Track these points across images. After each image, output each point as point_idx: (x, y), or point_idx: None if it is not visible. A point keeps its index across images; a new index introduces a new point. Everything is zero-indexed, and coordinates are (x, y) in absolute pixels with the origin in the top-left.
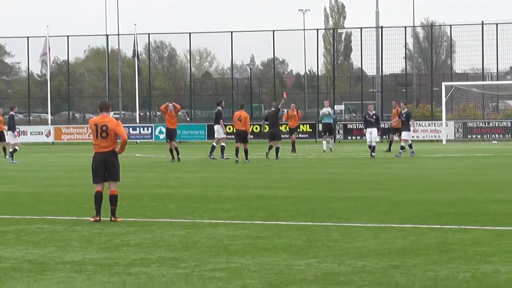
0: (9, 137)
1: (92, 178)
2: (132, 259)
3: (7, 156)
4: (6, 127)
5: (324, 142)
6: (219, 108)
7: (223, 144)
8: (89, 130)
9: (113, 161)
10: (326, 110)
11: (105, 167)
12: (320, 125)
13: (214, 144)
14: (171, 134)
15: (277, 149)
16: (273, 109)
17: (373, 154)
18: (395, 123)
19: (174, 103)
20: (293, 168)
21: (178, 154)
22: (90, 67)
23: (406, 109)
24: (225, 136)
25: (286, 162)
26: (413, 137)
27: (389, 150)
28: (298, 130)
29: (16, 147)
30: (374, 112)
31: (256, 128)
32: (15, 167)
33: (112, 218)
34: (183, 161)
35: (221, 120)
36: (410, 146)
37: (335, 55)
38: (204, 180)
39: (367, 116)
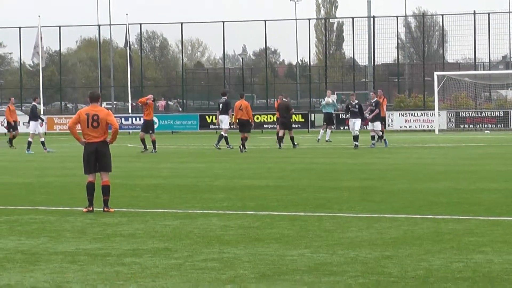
0: (31, 126)
1: (84, 168)
2: (124, 249)
3: (28, 150)
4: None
5: (322, 131)
6: (226, 98)
7: (226, 134)
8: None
9: (105, 152)
10: (329, 99)
11: (97, 157)
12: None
13: (222, 133)
14: (152, 126)
15: (292, 138)
16: (284, 100)
17: (356, 144)
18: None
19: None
20: (285, 158)
21: (155, 146)
22: (82, 57)
23: (375, 99)
24: (228, 127)
25: (278, 152)
26: (405, 127)
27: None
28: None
29: (41, 138)
30: (357, 101)
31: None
32: (25, 157)
33: (105, 209)
34: (176, 151)
35: (230, 110)
36: (381, 137)
37: (327, 45)
38: (197, 170)
39: (350, 106)
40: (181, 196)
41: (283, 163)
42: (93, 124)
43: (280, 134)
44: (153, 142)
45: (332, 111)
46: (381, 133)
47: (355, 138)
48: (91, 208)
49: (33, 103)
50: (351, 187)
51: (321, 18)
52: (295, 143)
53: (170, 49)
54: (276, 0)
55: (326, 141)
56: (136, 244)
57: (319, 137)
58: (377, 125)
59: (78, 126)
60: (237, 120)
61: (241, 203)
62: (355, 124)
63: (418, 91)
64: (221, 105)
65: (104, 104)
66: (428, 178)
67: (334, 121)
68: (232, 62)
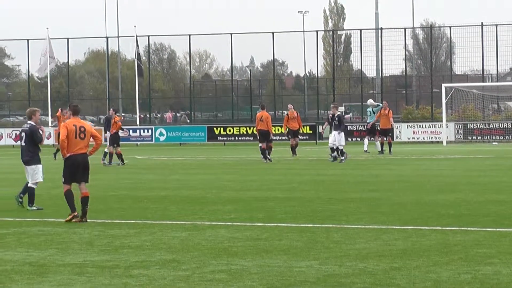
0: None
1: (65, 178)
2: (132, 261)
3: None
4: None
5: (366, 141)
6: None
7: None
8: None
9: (88, 164)
10: (372, 103)
11: (82, 169)
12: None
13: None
14: (119, 139)
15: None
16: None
17: (342, 158)
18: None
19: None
20: (293, 169)
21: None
22: (90, 69)
23: (339, 113)
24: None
25: (286, 163)
26: (413, 138)
27: (381, 152)
28: (300, 132)
29: (106, 150)
30: (338, 113)
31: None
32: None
33: (84, 219)
34: (184, 163)
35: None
36: (342, 152)
37: (334, 56)
38: (205, 182)
39: (329, 118)
40: (189, 207)
41: (291, 174)
42: (80, 135)
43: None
44: (112, 155)
45: (372, 121)
46: (341, 147)
47: (340, 152)
48: (76, 213)
49: (109, 113)
50: (359, 199)
51: (329, 30)
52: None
53: (178, 61)
54: (284, 12)
55: (366, 151)
56: (144, 256)
57: (365, 149)
58: (337, 137)
59: None
60: (258, 131)
61: (249, 215)
62: (336, 136)
63: (426, 103)
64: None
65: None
66: (436, 189)
67: (375, 132)
68: (240, 74)
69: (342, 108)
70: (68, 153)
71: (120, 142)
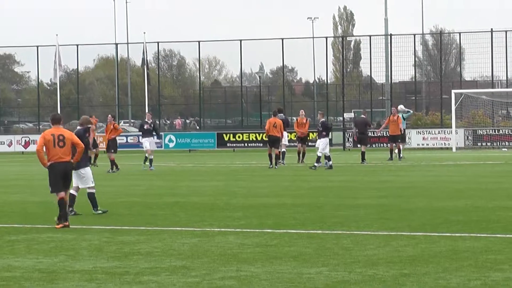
0: (146, 143)
1: (51, 188)
2: (142, 267)
3: (145, 164)
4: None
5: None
6: (283, 115)
7: (284, 150)
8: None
9: (71, 172)
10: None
11: (65, 177)
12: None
13: (283, 150)
14: (117, 145)
15: (363, 153)
16: (362, 116)
17: (329, 163)
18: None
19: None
20: (302, 176)
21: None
22: (99, 75)
23: (322, 119)
24: (287, 143)
25: (294, 170)
26: (423, 144)
27: (390, 158)
28: (308, 138)
29: (146, 155)
30: (323, 120)
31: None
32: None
33: (66, 223)
34: (193, 170)
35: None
36: (327, 158)
37: (344, 63)
38: (214, 188)
39: (318, 126)
40: (199, 214)
41: (300, 181)
42: (59, 144)
43: (363, 149)
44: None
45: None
46: (320, 154)
47: (327, 158)
48: (67, 223)
49: (146, 119)
50: (368, 205)
51: (338, 36)
52: (365, 159)
53: (187, 67)
54: (293, 18)
55: (400, 158)
56: (153, 262)
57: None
58: (321, 145)
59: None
60: (269, 136)
61: (258, 221)
62: (320, 144)
63: (435, 109)
64: None
65: (121, 122)
66: (445, 196)
67: (405, 138)
68: (249, 80)
69: (351, 114)
70: (50, 162)
71: (130, 149)
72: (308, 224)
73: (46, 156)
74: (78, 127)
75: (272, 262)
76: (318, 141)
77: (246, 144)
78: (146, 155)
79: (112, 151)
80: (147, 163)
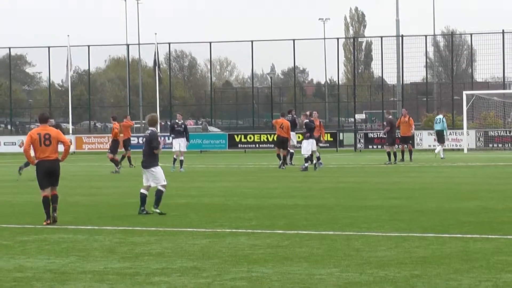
0: (176, 144)
1: (40, 185)
2: (153, 268)
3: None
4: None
5: (439, 148)
6: (292, 115)
7: (292, 151)
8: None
9: (58, 170)
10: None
11: (52, 174)
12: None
13: (291, 150)
14: (117, 146)
15: (388, 154)
16: (390, 117)
17: (305, 164)
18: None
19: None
20: (313, 177)
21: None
22: (110, 76)
23: (306, 120)
24: (295, 144)
25: (305, 171)
26: (434, 146)
27: (402, 159)
28: (322, 140)
29: (175, 156)
30: (306, 121)
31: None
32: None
33: (54, 214)
34: (204, 171)
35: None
36: (307, 160)
37: (355, 64)
38: (225, 189)
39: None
40: (210, 215)
41: (311, 182)
42: (46, 142)
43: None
44: (123, 159)
45: (441, 129)
46: (309, 153)
47: (310, 158)
48: (49, 221)
49: (175, 120)
50: (379, 206)
51: (349, 37)
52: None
53: (198, 68)
54: (304, 19)
55: (441, 158)
56: (164, 263)
57: (441, 156)
58: (305, 146)
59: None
60: (277, 137)
61: (269, 222)
62: (303, 144)
63: (446, 110)
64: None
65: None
66: (456, 197)
67: (444, 139)
68: (260, 81)
69: (363, 115)
70: (37, 159)
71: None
72: (319, 225)
73: (34, 154)
74: (151, 129)
75: (283, 263)
76: (304, 143)
77: (257, 145)
78: (175, 156)
79: (111, 151)
80: (177, 164)
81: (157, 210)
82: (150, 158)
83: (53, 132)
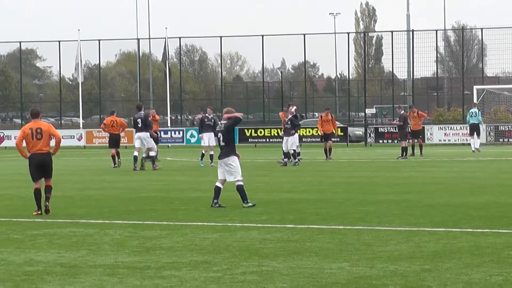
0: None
1: (32, 177)
2: (164, 262)
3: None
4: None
5: (472, 141)
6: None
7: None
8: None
9: (50, 162)
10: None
11: (43, 167)
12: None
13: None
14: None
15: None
16: (402, 112)
17: (295, 161)
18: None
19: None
20: (324, 171)
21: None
22: (121, 71)
23: (290, 116)
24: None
25: (317, 165)
26: (444, 140)
27: (412, 154)
28: (334, 135)
29: (203, 151)
30: (290, 116)
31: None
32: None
33: (47, 203)
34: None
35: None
36: (294, 155)
37: (366, 58)
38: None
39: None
40: (220, 209)
41: (322, 176)
42: (37, 136)
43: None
44: (114, 156)
45: (477, 122)
46: (292, 151)
47: (286, 155)
48: (40, 212)
49: (204, 114)
50: (390, 201)
51: (360, 32)
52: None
53: (209, 62)
54: (315, 14)
55: (473, 151)
56: (175, 257)
57: (472, 149)
58: (288, 142)
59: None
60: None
61: (280, 216)
62: (288, 141)
63: (457, 105)
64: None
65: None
66: (467, 191)
67: (480, 132)
68: (271, 75)
69: (373, 110)
70: (30, 153)
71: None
72: (329, 220)
73: (26, 148)
74: (226, 119)
75: (293, 257)
76: (285, 139)
77: (267, 140)
78: (203, 151)
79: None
80: (207, 159)
81: (249, 204)
82: (229, 150)
83: (44, 126)
